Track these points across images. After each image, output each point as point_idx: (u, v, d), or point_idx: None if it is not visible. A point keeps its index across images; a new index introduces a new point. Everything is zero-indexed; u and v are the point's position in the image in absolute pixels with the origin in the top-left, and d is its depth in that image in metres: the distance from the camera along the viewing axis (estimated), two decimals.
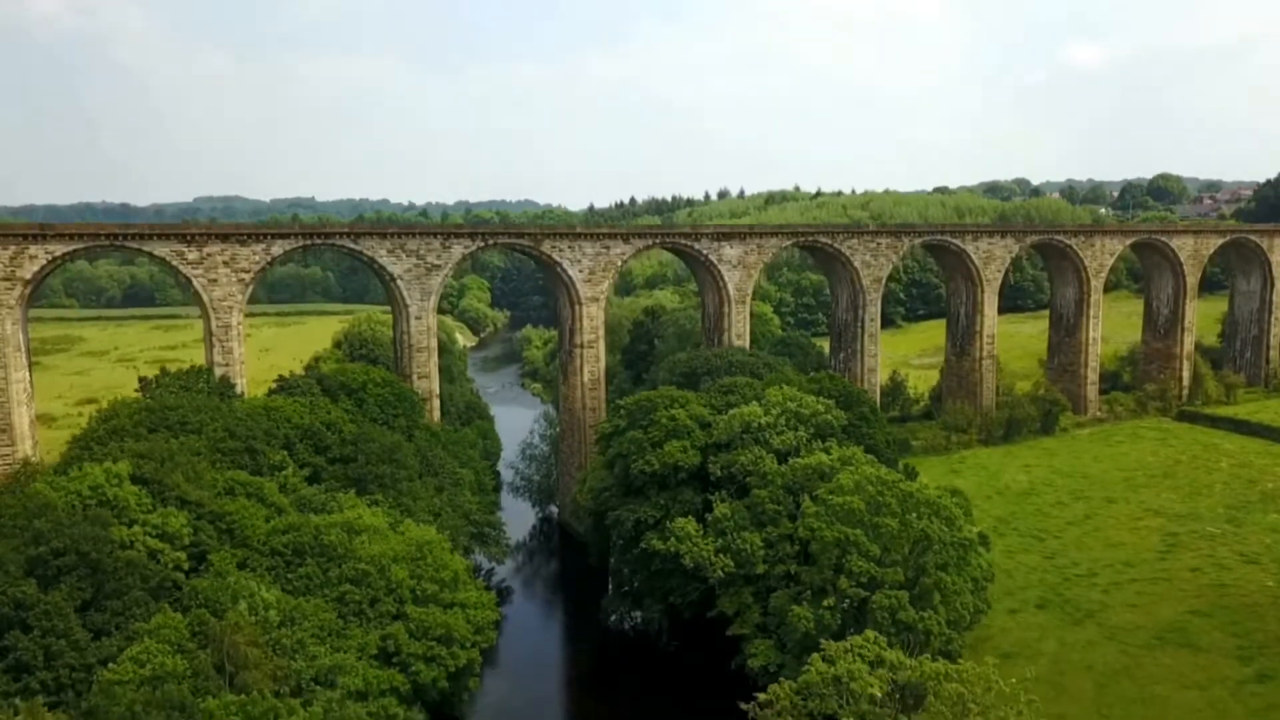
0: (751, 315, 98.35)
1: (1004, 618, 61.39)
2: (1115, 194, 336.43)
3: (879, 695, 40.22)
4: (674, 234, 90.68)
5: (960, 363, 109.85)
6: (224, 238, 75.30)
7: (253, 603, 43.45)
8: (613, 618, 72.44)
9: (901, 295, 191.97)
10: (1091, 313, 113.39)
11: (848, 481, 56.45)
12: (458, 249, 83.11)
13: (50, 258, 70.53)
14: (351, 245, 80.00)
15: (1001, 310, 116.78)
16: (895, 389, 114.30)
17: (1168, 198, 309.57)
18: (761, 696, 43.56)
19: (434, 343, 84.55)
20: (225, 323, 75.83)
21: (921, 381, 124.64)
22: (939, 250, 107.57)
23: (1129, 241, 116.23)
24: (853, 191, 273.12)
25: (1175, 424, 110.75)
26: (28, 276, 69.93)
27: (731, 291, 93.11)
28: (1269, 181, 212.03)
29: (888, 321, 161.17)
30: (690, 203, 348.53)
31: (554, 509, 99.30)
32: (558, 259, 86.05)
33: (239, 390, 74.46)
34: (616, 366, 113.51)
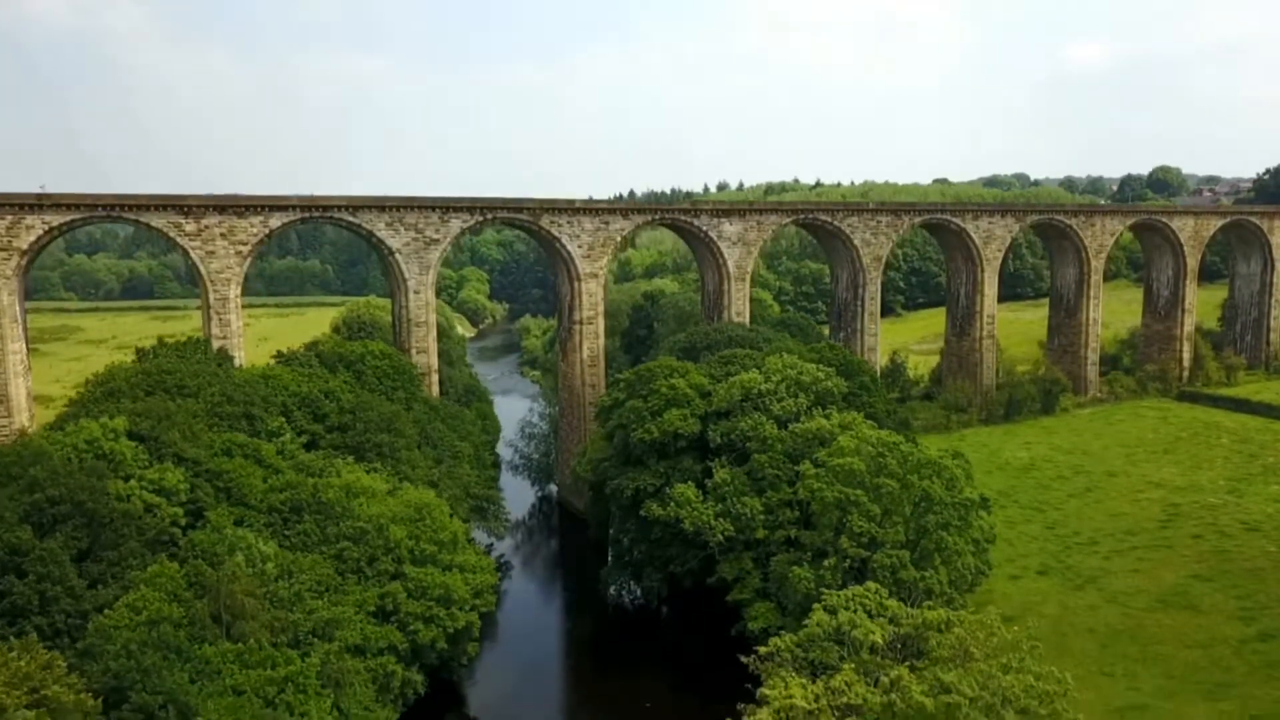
0: (751, 300, 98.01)
1: (1005, 583, 61.17)
2: (1114, 187, 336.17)
3: (880, 643, 39.93)
4: (674, 210, 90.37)
5: (960, 343, 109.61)
6: (221, 209, 74.97)
7: (249, 555, 43.17)
8: (612, 589, 72.21)
9: (901, 284, 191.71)
10: (1092, 293, 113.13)
11: (848, 444, 56.16)
12: (456, 223, 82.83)
13: (47, 228, 70.20)
14: (350, 218, 79.68)
15: (1002, 298, 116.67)
16: (895, 370, 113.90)
17: (1167, 190, 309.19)
18: (762, 649, 43.28)
19: (433, 318, 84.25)
20: (223, 295, 75.52)
21: (922, 364, 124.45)
22: (939, 229, 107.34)
23: (1129, 222, 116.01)
24: (851, 183, 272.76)
25: (1176, 404, 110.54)
26: (24, 247, 69.62)
27: (731, 269, 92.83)
28: (1269, 171, 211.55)
29: (887, 310, 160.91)
30: (689, 195, 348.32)
31: (553, 487, 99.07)
32: (557, 234, 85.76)
33: (237, 363, 74.17)
34: (616, 351, 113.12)
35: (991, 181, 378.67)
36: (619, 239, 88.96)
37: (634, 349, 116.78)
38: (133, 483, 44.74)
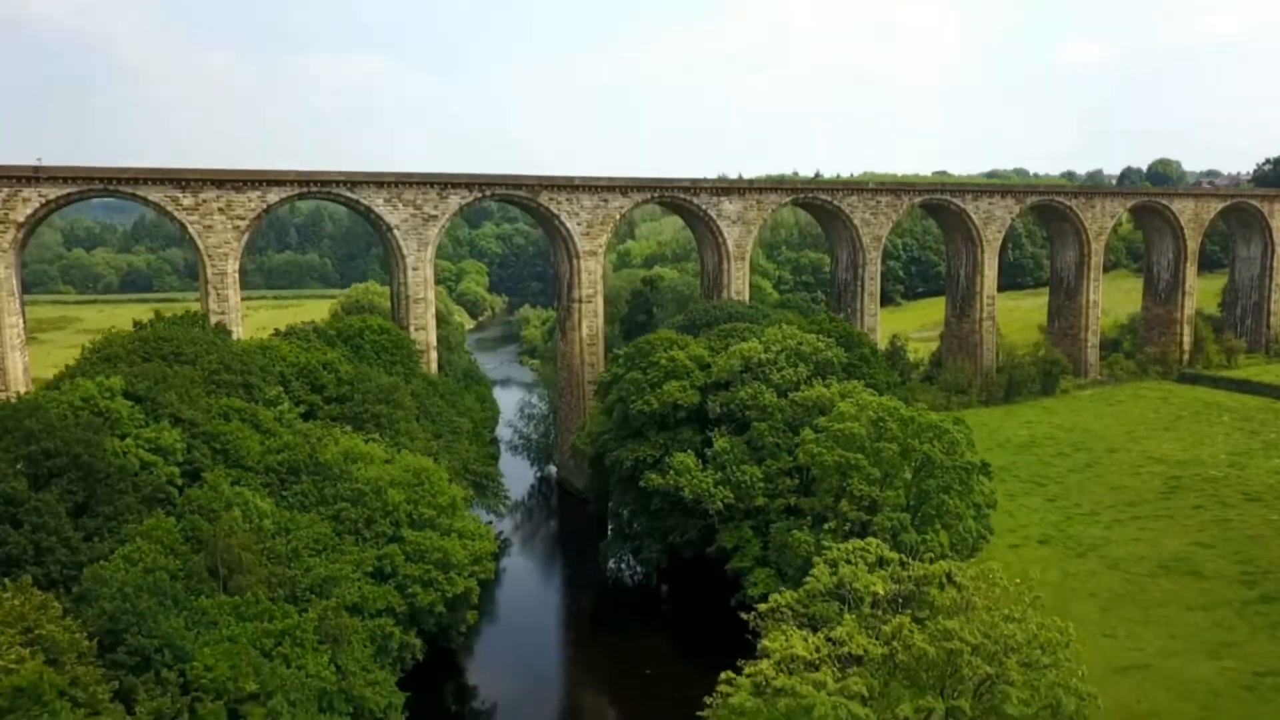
0: (751, 286, 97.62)
1: (1005, 552, 60.86)
2: (1113, 181, 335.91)
3: (881, 594, 39.66)
4: (673, 187, 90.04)
5: (960, 324, 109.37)
6: (219, 184, 74.68)
7: (247, 511, 42.89)
8: (611, 562, 71.99)
9: (900, 273, 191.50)
10: (1092, 276, 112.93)
11: (849, 409, 55.89)
12: (455, 199, 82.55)
13: (44, 201, 69.93)
14: (348, 194, 79.39)
15: (1001, 287, 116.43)
16: (895, 353, 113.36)
17: (1166, 183, 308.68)
18: (762, 606, 42.96)
19: (431, 295, 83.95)
20: (220, 270, 75.27)
21: (922, 349, 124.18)
22: (939, 210, 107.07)
23: (1130, 204, 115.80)
24: (850, 175, 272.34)
25: (1176, 385, 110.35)
26: (21, 219, 69.32)
27: (731, 248, 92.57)
28: (1269, 161, 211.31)
29: (887, 299, 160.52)
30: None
31: (553, 468, 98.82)
32: (555, 211, 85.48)
33: (235, 337, 73.81)
34: (615, 337, 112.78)
35: (991, 175, 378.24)
36: (618, 217, 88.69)
37: (634, 334, 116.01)
38: (129, 441, 44.43)
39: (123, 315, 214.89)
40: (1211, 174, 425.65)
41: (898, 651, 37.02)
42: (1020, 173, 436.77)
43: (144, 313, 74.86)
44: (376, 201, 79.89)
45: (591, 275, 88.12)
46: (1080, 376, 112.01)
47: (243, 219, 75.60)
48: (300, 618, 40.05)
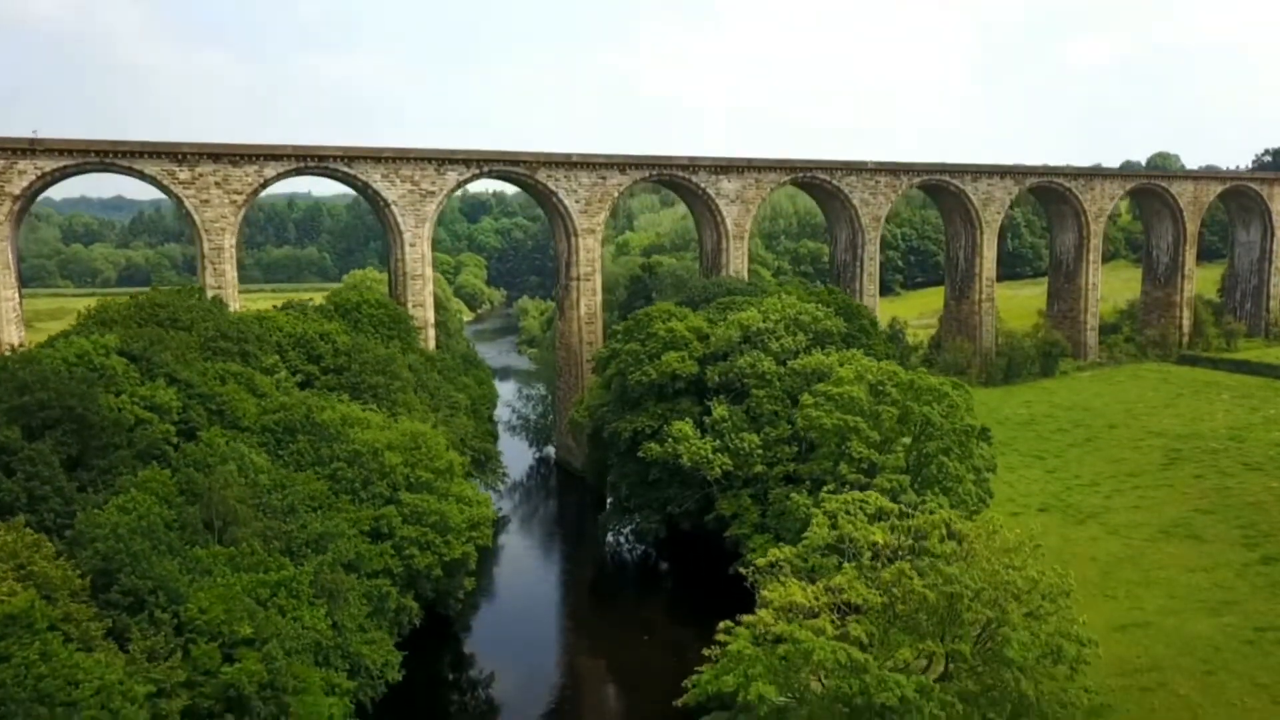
0: (750, 271, 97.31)
1: (1005, 519, 59.78)
2: None
3: (881, 543, 39.41)
4: (671, 165, 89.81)
5: (960, 306, 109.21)
6: (216, 158, 74.42)
7: (243, 465, 42.63)
8: (610, 536, 71.73)
9: (900, 262, 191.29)
10: (1091, 258, 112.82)
11: (848, 373, 55.71)
12: (452, 175, 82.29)
13: (40, 173, 69.59)
14: (346, 169, 79.09)
15: (1001, 277, 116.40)
16: (894, 336, 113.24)
17: None
18: (760, 561, 42.71)
19: (429, 272, 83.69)
20: (217, 245, 75.00)
21: (922, 333, 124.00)
22: (938, 191, 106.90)
23: (1129, 186, 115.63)
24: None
25: (1176, 366, 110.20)
26: (16, 192, 69.01)
27: (730, 227, 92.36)
28: (1269, 151, 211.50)
29: (886, 288, 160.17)
30: None
31: (551, 449, 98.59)
32: (553, 188, 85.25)
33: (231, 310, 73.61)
34: (614, 323, 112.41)
35: None
36: (616, 194, 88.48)
37: None
38: (124, 397, 44.10)
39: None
40: (1210, 169, 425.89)
41: (897, 600, 36.81)
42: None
43: None
44: (374, 177, 79.64)
45: (590, 253, 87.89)
46: (1079, 358, 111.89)
47: (240, 193, 75.36)
48: (296, 570, 39.77)
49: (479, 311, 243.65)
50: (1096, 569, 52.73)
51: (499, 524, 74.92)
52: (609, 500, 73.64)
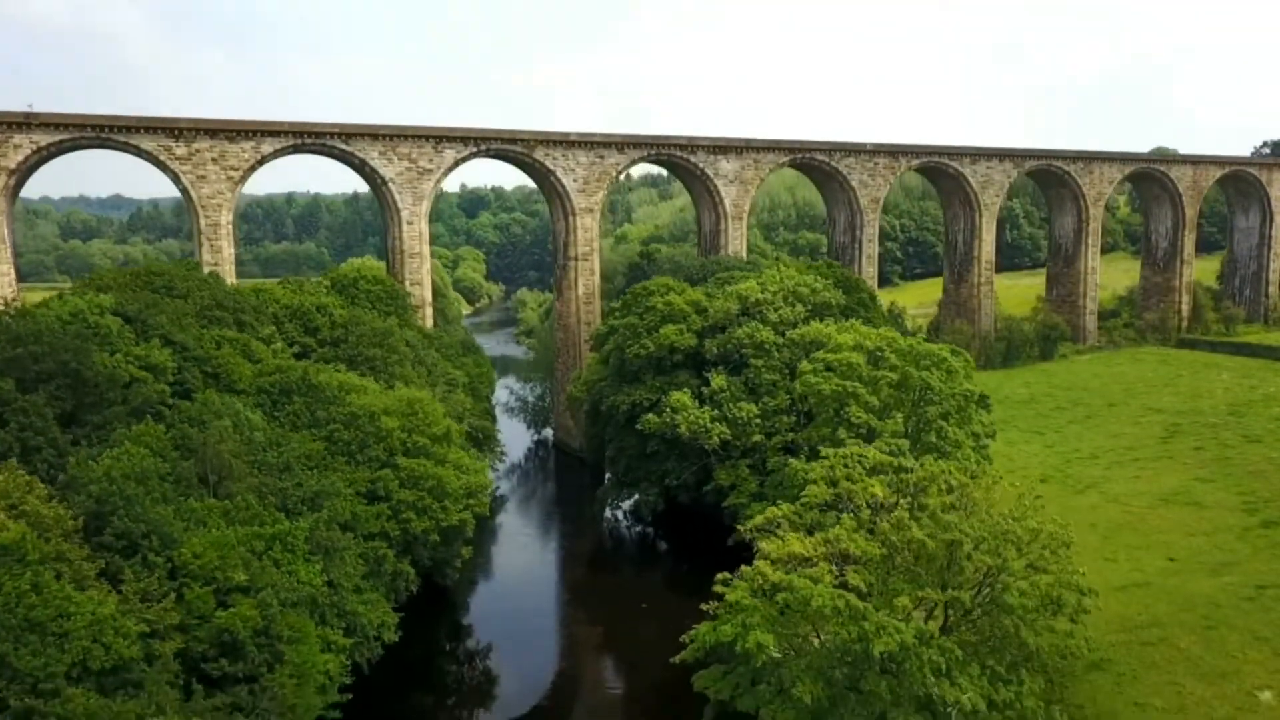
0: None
1: (1005, 489, 60.35)
2: None
3: (880, 497, 39.21)
4: (670, 144, 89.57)
5: (959, 290, 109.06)
6: (212, 134, 74.20)
7: (238, 421, 42.37)
8: (608, 512, 71.50)
9: (898, 253, 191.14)
10: (1090, 241, 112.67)
11: (847, 340, 55.51)
12: (450, 153, 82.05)
13: (35, 147, 69.30)
14: (343, 146, 78.83)
15: (1000, 267, 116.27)
16: (893, 320, 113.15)
17: None
18: (758, 518, 42.52)
19: (426, 250, 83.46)
20: (214, 221, 74.74)
21: (921, 320, 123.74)
22: (937, 174, 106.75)
23: (1128, 170, 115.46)
24: None
25: (1175, 350, 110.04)
26: (11, 166, 68.71)
27: (728, 207, 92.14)
28: (1267, 144, 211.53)
29: (885, 279, 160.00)
30: None
31: (549, 432, 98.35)
32: (551, 167, 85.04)
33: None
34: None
35: None
36: (614, 174, 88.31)
37: None
38: (118, 356, 43.85)
39: None
40: None
41: (897, 551, 36.60)
42: None
43: None
44: (371, 155, 79.42)
45: (588, 233, 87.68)
46: (1079, 342, 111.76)
47: (236, 170, 75.12)
48: (291, 525, 39.50)
49: (477, 305, 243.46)
50: (1097, 535, 52.46)
51: (497, 504, 74.75)
52: (607, 475, 73.42)
